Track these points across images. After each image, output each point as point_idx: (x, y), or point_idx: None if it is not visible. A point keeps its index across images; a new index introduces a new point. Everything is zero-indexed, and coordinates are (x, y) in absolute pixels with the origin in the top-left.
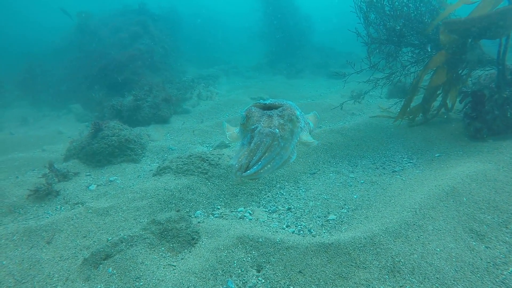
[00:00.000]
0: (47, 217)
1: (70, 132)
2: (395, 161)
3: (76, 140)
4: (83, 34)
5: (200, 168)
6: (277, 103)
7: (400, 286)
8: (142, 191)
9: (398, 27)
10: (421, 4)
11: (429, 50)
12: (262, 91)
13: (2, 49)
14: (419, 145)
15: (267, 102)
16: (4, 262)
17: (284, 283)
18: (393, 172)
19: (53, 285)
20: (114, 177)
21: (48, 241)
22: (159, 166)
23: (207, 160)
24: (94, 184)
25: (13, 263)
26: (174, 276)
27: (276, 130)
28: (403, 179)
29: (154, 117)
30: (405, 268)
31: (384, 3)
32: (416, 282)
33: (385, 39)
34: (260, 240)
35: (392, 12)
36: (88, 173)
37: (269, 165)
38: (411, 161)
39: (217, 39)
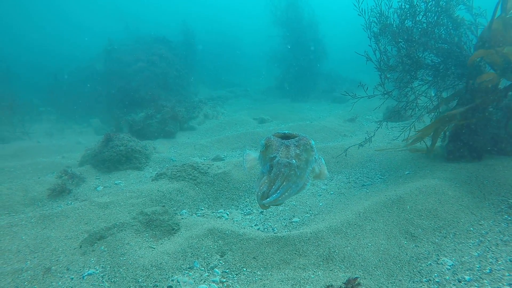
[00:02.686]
0: (59, 208)
1: (88, 143)
2: (368, 177)
3: (90, 149)
4: (110, 61)
5: (191, 175)
6: (294, 133)
7: (330, 270)
8: (138, 191)
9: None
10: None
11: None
12: (265, 113)
13: (31, 67)
14: (395, 164)
15: (286, 132)
16: (23, 237)
17: (240, 266)
18: (362, 186)
19: (58, 255)
20: (119, 181)
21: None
22: (157, 173)
23: (198, 168)
24: (101, 186)
25: (29, 238)
26: (151, 254)
27: (293, 160)
28: (367, 191)
29: (161, 132)
30: (338, 257)
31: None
32: (343, 267)
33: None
34: (227, 232)
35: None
36: (98, 177)
37: (286, 193)
38: (382, 177)
39: (234, 64)
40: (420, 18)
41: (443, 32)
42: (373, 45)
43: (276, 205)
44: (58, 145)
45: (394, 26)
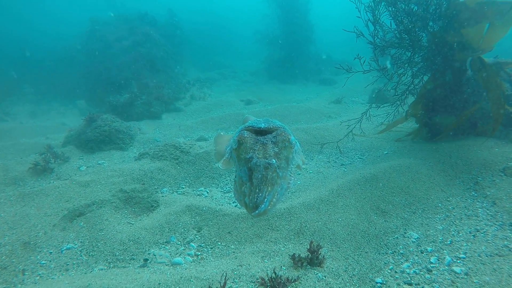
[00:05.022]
0: (40, 186)
1: (73, 124)
2: (347, 157)
3: (73, 129)
4: (92, 38)
5: (173, 154)
6: (270, 127)
7: (300, 243)
8: (120, 170)
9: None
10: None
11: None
12: (252, 95)
13: (18, 51)
14: (375, 145)
15: (261, 126)
16: (2, 215)
17: (215, 240)
18: (341, 165)
19: (37, 231)
20: (103, 161)
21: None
22: (139, 153)
23: (180, 148)
24: (85, 166)
25: (8, 215)
26: (129, 230)
27: (273, 160)
28: (345, 170)
29: (146, 113)
30: (308, 231)
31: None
32: (313, 240)
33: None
34: (204, 208)
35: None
36: (81, 157)
37: (274, 199)
38: (362, 157)
39: (223, 45)
40: None
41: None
42: (365, 16)
43: (266, 215)
44: (42, 126)
45: None
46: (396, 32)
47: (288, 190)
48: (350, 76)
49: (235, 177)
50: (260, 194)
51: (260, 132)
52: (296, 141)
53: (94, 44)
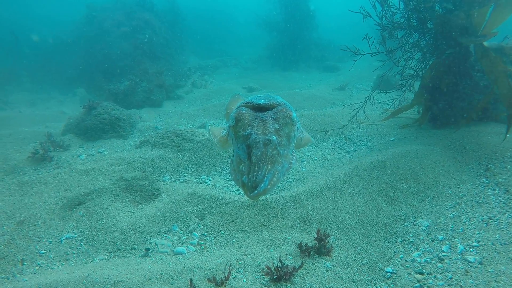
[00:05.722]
0: (39, 175)
1: (72, 113)
2: (353, 144)
3: (73, 117)
4: (90, 25)
5: (174, 142)
6: (270, 103)
7: (307, 232)
8: (120, 158)
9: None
10: None
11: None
12: (254, 82)
13: (14, 39)
14: (381, 131)
15: (261, 102)
16: (0, 204)
17: (218, 229)
18: (346, 152)
19: (36, 220)
20: (103, 149)
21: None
22: (140, 140)
23: (181, 135)
24: (85, 154)
25: (7, 204)
26: (130, 219)
27: (273, 136)
28: (351, 157)
29: (147, 101)
30: (315, 219)
31: None
32: (321, 229)
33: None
34: (207, 197)
35: None
36: (81, 146)
37: (274, 178)
38: (367, 144)
39: (225, 32)
40: None
41: None
42: None
43: (266, 194)
44: (41, 115)
45: None
46: (404, 12)
47: (290, 170)
48: (358, 58)
49: (232, 155)
50: (260, 172)
51: (259, 108)
52: (298, 119)
53: (92, 31)
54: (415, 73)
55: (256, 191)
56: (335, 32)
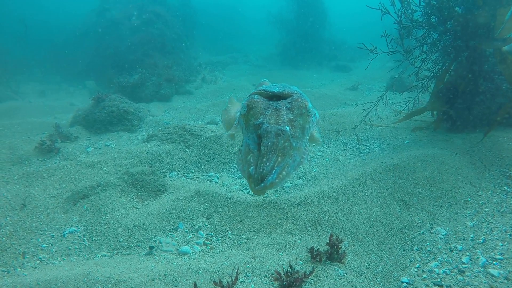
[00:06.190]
0: (45, 166)
1: (81, 104)
2: (366, 145)
3: (81, 109)
4: (102, 17)
5: (182, 137)
6: (285, 92)
7: (318, 235)
8: (127, 152)
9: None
10: None
11: None
12: (265, 79)
13: (32, 31)
14: (395, 133)
15: (275, 90)
16: (5, 194)
17: (225, 229)
18: (359, 153)
19: (39, 213)
20: (110, 142)
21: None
22: (148, 135)
23: (190, 131)
24: (92, 147)
25: (11, 195)
26: (135, 215)
27: (286, 127)
28: (364, 158)
29: (156, 95)
30: (327, 222)
31: None
32: (334, 233)
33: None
34: (214, 194)
35: None
36: (88, 138)
37: (284, 172)
38: (381, 146)
39: (236, 28)
40: None
41: None
42: None
43: (273, 189)
44: (50, 106)
45: None
46: (424, 10)
47: (301, 165)
48: (375, 57)
49: (241, 145)
50: (268, 164)
51: (273, 97)
52: (315, 110)
53: (103, 23)
54: (431, 74)
55: (262, 184)
56: (347, 32)
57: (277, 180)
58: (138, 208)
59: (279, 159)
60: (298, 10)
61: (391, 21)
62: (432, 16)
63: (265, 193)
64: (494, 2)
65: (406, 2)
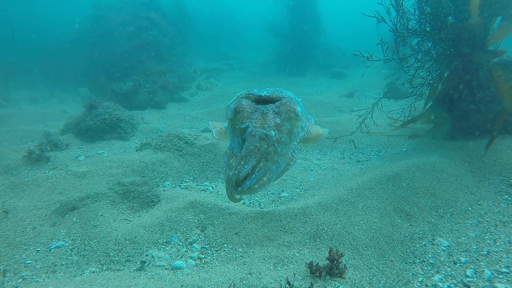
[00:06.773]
0: (32, 176)
1: (74, 112)
2: (363, 153)
3: (73, 116)
4: (96, 24)
5: (176, 145)
6: (274, 96)
7: (317, 249)
8: (119, 161)
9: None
10: None
11: None
12: (260, 86)
13: (25, 37)
14: (392, 141)
15: (263, 93)
16: None
17: (220, 241)
18: (357, 162)
19: (24, 226)
20: (102, 151)
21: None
22: (141, 143)
23: (184, 139)
24: (83, 155)
25: None
26: (126, 227)
27: (272, 132)
28: (362, 167)
29: (150, 102)
30: (326, 235)
31: None
32: (332, 246)
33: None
34: (209, 205)
35: None
36: (80, 146)
37: (265, 178)
38: (378, 154)
39: (231, 35)
40: None
41: None
42: (387, 0)
43: (251, 194)
44: (42, 113)
45: None
46: (419, 18)
47: (286, 172)
48: (371, 64)
49: (227, 148)
50: (246, 167)
51: (261, 101)
52: (311, 116)
53: (97, 30)
54: (425, 82)
55: (239, 188)
56: (342, 39)
57: (255, 186)
58: (130, 220)
59: (261, 164)
60: (293, 18)
61: (386, 29)
62: (427, 25)
63: (242, 199)
64: (487, 12)
65: (401, 11)
